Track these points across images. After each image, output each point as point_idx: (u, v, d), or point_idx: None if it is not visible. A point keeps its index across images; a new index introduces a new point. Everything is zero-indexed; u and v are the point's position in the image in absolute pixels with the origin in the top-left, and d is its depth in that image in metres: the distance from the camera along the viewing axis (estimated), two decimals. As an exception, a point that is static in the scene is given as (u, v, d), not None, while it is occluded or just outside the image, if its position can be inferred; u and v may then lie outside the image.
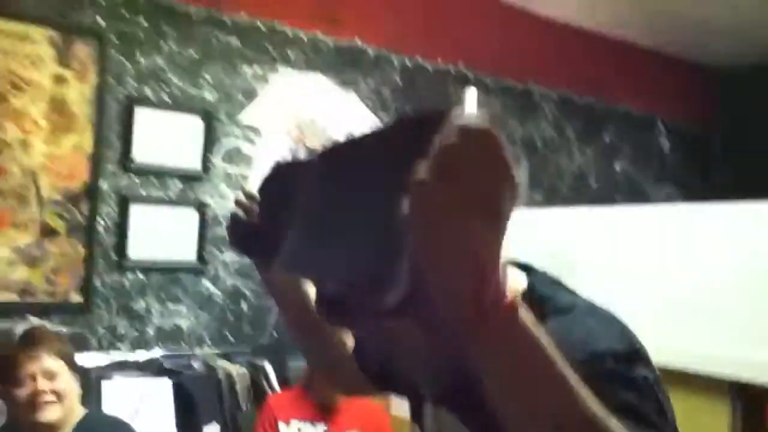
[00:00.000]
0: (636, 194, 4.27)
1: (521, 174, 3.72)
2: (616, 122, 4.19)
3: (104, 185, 2.54)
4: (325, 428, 2.35)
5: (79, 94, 2.46)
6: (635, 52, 4.24)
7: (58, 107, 2.43)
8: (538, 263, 0.91)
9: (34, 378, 1.82)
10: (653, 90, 4.35)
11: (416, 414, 0.96)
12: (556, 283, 0.91)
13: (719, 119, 4.70)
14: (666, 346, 1.86)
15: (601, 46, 4.09)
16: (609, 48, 4.12)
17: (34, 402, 1.79)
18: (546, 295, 0.86)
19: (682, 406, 1.81)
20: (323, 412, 2.35)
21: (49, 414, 1.80)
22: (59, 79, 2.43)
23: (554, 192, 3.90)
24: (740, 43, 4.11)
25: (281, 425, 2.33)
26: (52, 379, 1.85)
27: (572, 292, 0.90)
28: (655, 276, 1.99)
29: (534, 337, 0.60)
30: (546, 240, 2.35)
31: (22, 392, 1.80)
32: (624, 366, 0.75)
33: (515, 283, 0.87)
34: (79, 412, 1.92)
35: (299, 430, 2.34)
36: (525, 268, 0.93)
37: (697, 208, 2.05)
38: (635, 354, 0.77)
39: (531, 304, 0.81)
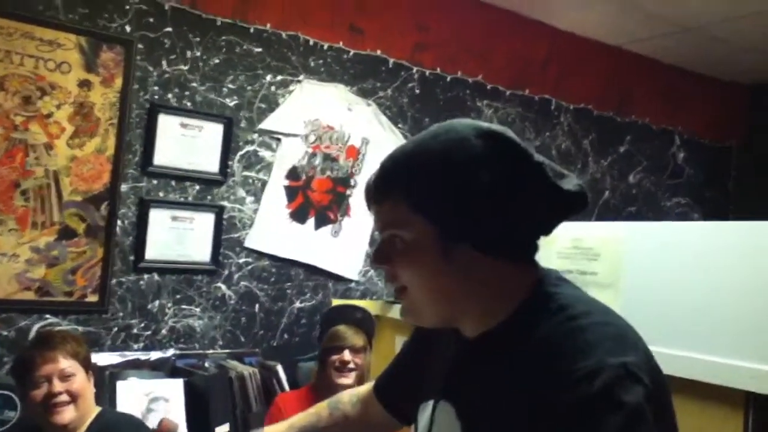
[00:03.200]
0: (651, 206, 4.27)
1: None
2: (633, 134, 4.19)
3: (124, 188, 2.60)
4: None
5: (103, 99, 2.52)
6: (655, 67, 4.23)
7: (83, 111, 2.48)
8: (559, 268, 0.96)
9: (49, 379, 1.85)
10: (672, 104, 4.34)
11: (413, 418, 1.07)
12: (562, 280, 0.96)
13: (738, 134, 4.68)
14: (682, 357, 1.89)
15: (620, 60, 4.08)
16: (628, 62, 4.11)
17: (48, 404, 1.83)
18: (551, 291, 0.91)
19: (696, 416, 1.85)
20: None
21: (64, 416, 1.84)
22: (85, 84, 2.48)
23: (568, 203, 3.90)
24: (761, 58, 4.09)
25: None
26: (67, 379, 1.88)
27: (576, 291, 0.94)
28: (672, 287, 2.02)
29: None
30: (558, 250, 2.38)
31: (38, 394, 1.83)
32: (612, 388, 0.75)
33: (526, 278, 0.93)
34: (93, 410, 1.97)
35: None
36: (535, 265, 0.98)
37: (712, 225, 2.07)
38: (626, 373, 0.77)
39: (536, 297, 0.90)
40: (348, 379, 2.33)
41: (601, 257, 2.27)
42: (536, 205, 0.88)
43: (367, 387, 1.29)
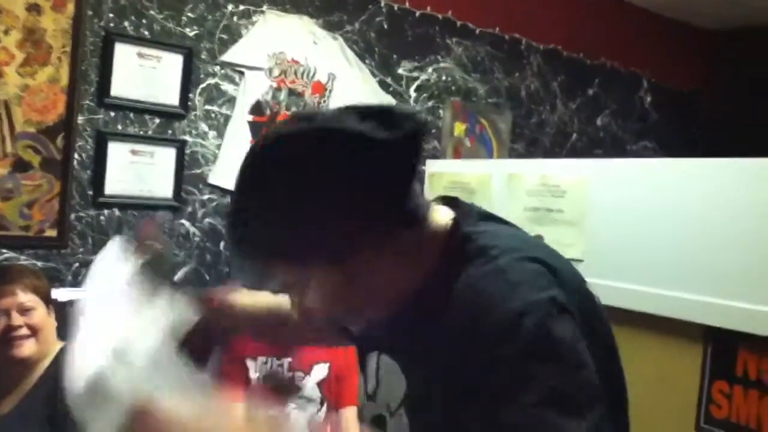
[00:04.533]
0: (617, 149, 4.29)
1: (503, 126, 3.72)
2: (602, 77, 4.17)
3: (80, 120, 2.50)
4: (290, 362, 2.41)
5: (55, 25, 2.39)
6: (624, 9, 4.19)
7: (33, 38, 2.36)
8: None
9: (8, 313, 1.83)
10: (640, 48, 4.33)
11: (361, 363, 1.05)
12: (484, 218, 0.91)
13: (705, 79, 4.70)
14: (643, 292, 1.93)
15: (590, 2, 4.03)
16: (599, 3, 4.06)
17: (8, 337, 1.81)
18: (469, 232, 0.87)
19: (658, 349, 1.90)
20: (286, 348, 2.40)
21: (24, 350, 1.82)
22: (34, 8, 2.35)
23: (536, 144, 3.91)
24: (729, 3, 4.08)
25: (249, 362, 2.38)
26: (27, 313, 1.86)
27: (498, 229, 0.89)
28: (637, 224, 2.05)
29: None
30: (526, 188, 2.38)
31: None
32: (542, 326, 0.73)
33: (440, 219, 0.89)
34: (56, 345, 1.95)
35: (265, 364, 2.40)
36: (452, 202, 0.93)
37: (677, 162, 2.09)
38: (556, 307, 0.75)
39: (454, 243, 0.86)
40: None
41: (567, 194, 2.28)
42: (387, 172, 0.81)
43: None
